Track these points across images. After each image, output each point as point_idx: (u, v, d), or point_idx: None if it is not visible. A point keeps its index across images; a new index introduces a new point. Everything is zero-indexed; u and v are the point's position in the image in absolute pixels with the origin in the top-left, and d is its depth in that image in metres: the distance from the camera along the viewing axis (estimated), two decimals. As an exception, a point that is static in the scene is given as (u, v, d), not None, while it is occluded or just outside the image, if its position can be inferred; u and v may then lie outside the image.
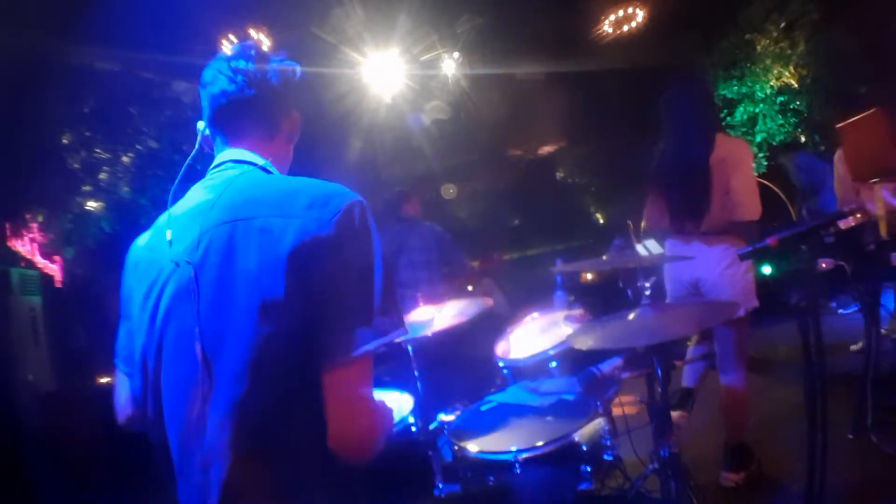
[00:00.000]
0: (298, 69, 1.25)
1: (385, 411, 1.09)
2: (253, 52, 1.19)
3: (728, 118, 6.73)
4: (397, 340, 1.04)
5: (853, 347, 4.29)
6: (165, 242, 1.09)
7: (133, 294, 1.14)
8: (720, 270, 2.53)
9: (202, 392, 0.99)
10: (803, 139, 6.60)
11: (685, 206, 2.56)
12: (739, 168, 2.45)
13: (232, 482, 0.96)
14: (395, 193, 4.04)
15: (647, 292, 1.69)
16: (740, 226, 2.45)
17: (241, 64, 1.17)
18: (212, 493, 0.97)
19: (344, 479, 1.04)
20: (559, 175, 9.81)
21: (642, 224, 2.85)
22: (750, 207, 2.42)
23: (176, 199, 1.16)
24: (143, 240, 1.19)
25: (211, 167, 1.20)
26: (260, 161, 1.17)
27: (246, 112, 1.18)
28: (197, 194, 1.15)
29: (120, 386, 1.23)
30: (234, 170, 1.15)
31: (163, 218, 1.15)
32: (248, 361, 0.97)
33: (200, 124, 1.24)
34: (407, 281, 3.62)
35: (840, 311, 5.17)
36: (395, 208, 3.88)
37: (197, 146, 1.24)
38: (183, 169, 1.18)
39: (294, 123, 1.25)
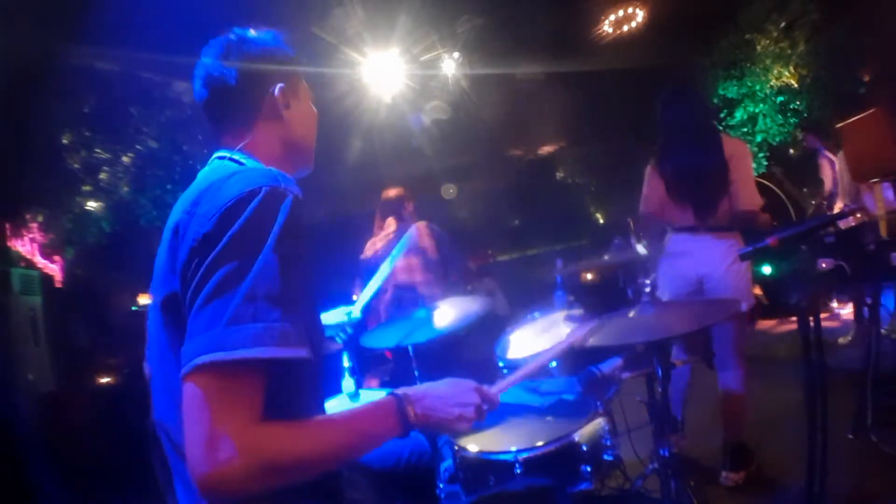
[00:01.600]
0: (269, 39, 1.19)
1: (274, 443, 0.85)
2: (217, 49, 1.14)
3: (728, 118, 6.73)
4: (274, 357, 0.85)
5: (841, 340, 4.31)
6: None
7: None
8: (726, 266, 2.56)
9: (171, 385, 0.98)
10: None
11: (700, 201, 2.61)
12: (741, 164, 2.55)
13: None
14: (390, 192, 4.00)
15: (648, 290, 1.69)
16: (743, 215, 2.53)
17: (206, 62, 1.14)
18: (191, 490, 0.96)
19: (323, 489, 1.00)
20: (559, 175, 9.81)
21: (641, 212, 2.84)
22: (752, 198, 2.52)
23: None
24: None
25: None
26: (228, 154, 1.12)
27: (211, 111, 1.16)
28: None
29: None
30: (208, 168, 1.13)
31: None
32: (162, 373, 0.98)
33: None
34: (406, 282, 3.61)
35: (839, 310, 5.18)
36: (398, 208, 3.84)
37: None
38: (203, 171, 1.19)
39: (274, 103, 1.14)
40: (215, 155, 1.15)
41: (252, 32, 1.19)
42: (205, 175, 1.07)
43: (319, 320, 1.09)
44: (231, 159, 1.10)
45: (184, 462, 0.86)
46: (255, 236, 0.88)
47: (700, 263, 2.61)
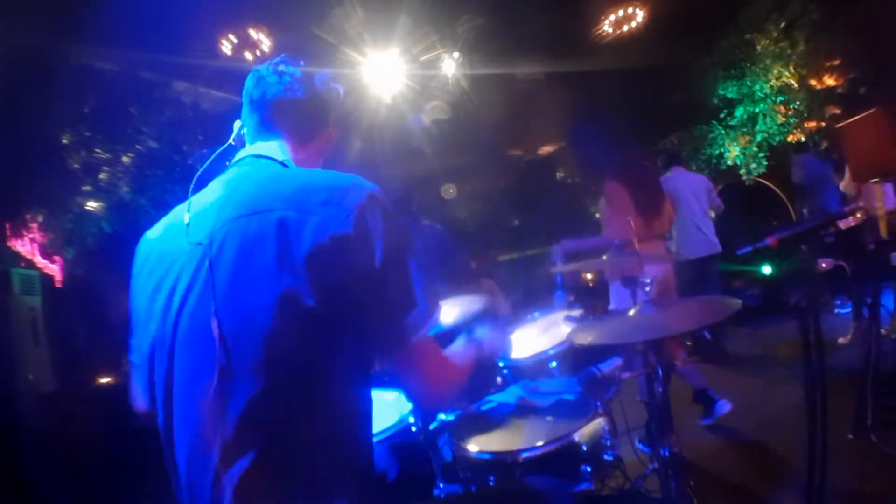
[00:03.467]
0: (341, 89, 1.31)
1: (449, 355, 1.19)
2: (301, 62, 1.25)
3: (728, 118, 6.73)
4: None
5: (841, 340, 4.31)
6: (182, 233, 1.10)
7: (145, 286, 1.14)
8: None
9: (219, 373, 0.98)
10: (803, 139, 6.60)
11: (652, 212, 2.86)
12: None
13: (246, 477, 0.95)
14: (393, 191, 3.97)
15: (648, 289, 1.69)
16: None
17: (290, 69, 1.23)
18: (224, 485, 0.95)
19: (357, 482, 1.03)
20: (559, 175, 9.81)
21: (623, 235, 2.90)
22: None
23: (196, 191, 1.18)
24: (154, 233, 1.20)
25: (232, 162, 1.22)
26: (280, 156, 1.19)
27: (287, 112, 1.23)
28: (214, 188, 1.17)
29: (135, 381, 1.22)
30: (250, 165, 1.18)
31: (177, 210, 1.17)
32: (266, 357, 0.97)
33: (237, 123, 1.28)
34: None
35: (838, 311, 5.18)
36: (403, 206, 3.79)
37: (228, 142, 1.28)
38: (205, 164, 1.22)
39: (329, 138, 1.30)
40: (248, 153, 1.21)
41: (328, 73, 1.30)
42: (279, 175, 1.15)
43: None
44: (282, 163, 1.19)
45: (195, 451, 0.99)
46: (389, 229, 1.03)
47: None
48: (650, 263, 2.34)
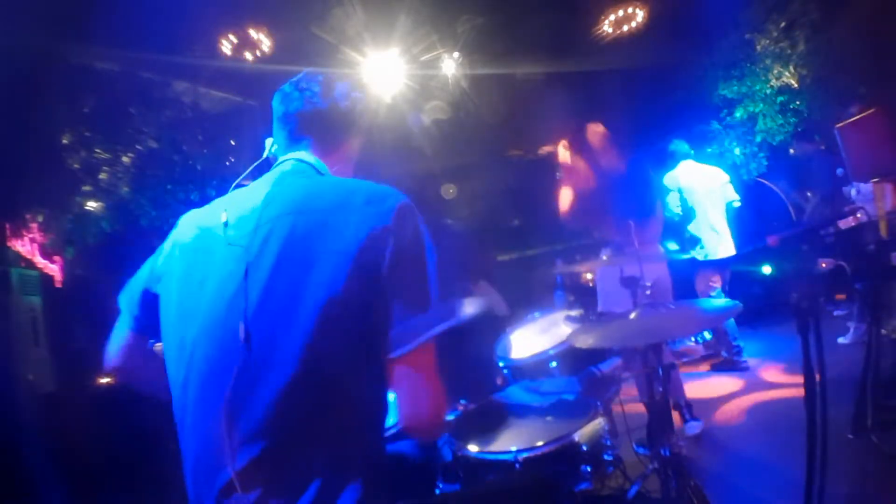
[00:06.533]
0: (363, 97, 1.36)
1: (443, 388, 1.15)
2: (320, 77, 1.32)
3: (728, 118, 6.73)
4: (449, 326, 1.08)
5: (841, 340, 4.31)
6: (219, 225, 1.15)
7: (174, 263, 1.18)
8: None
9: (238, 370, 1.02)
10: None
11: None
12: None
13: (254, 464, 0.98)
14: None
15: (648, 292, 1.69)
16: None
17: (311, 84, 1.30)
18: (238, 464, 0.98)
19: (373, 473, 1.06)
20: (559, 175, 9.79)
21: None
22: None
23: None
24: (194, 217, 1.24)
25: (274, 165, 1.30)
26: (313, 162, 1.26)
27: (311, 122, 1.30)
28: (257, 186, 1.22)
29: (118, 331, 1.28)
30: (293, 167, 1.25)
31: (219, 202, 1.23)
32: (304, 348, 1.01)
33: (269, 141, 1.36)
34: None
35: (837, 312, 5.17)
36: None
37: (262, 158, 1.36)
38: (249, 169, 1.33)
39: (353, 150, 1.36)
40: (292, 157, 1.27)
41: (351, 84, 1.36)
42: (320, 180, 1.24)
43: None
44: (317, 170, 1.26)
45: (206, 447, 1.02)
46: (422, 231, 1.11)
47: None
48: (648, 265, 2.34)
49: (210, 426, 1.02)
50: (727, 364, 4.52)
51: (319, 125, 1.30)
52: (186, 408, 1.08)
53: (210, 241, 1.15)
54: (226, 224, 1.14)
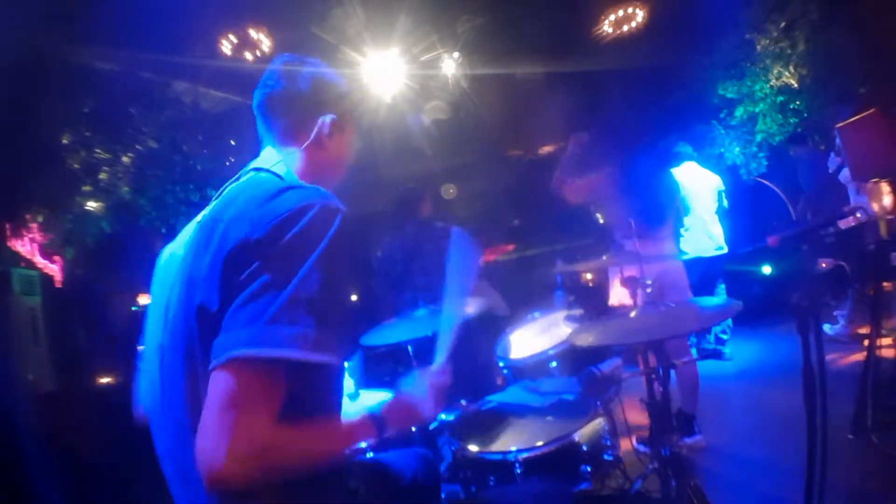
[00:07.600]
0: (332, 72, 1.28)
1: (279, 444, 0.88)
2: (286, 57, 1.25)
3: (728, 118, 6.73)
4: (311, 361, 0.89)
5: (826, 328, 4.32)
6: (182, 245, 1.11)
7: (152, 298, 1.16)
8: None
9: (160, 396, 1.02)
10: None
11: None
12: None
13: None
14: (408, 191, 3.80)
15: (649, 290, 1.69)
16: None
17: (273, 74, 1.23)
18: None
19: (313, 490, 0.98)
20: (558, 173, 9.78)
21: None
22: None
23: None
24: (169, 247, 1.20)
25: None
26: (274, 164, 1.17)
27: (270, 109, 1.23)
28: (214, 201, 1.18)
29: (138, 383, 1.23)
30: (247, 174, 1.17)
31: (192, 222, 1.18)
32: (186, 366, 0.97)
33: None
34: (423, 285, 3.56)
35: (836, 313, 5.16)
36: (413, 208, 3.72)
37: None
38: (232, 180, 1.22)
39: (328, 131, 1.23)
40: (250, 167, 1.20)
41: (317, 63, 1.27)
42: (242, 186, 1.12)
43: (349, 330, 1.15)
44: (271, 172, 1.15)
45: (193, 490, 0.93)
46: (304, 246, 0.93)
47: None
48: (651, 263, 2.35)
49: (175, 441, 1.03)
50: (711, 354, 4.65)
51: (279, 110, 1.22)
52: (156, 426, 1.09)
53: (174, 267, 1.10)
54: (186, 238, 1.12)
